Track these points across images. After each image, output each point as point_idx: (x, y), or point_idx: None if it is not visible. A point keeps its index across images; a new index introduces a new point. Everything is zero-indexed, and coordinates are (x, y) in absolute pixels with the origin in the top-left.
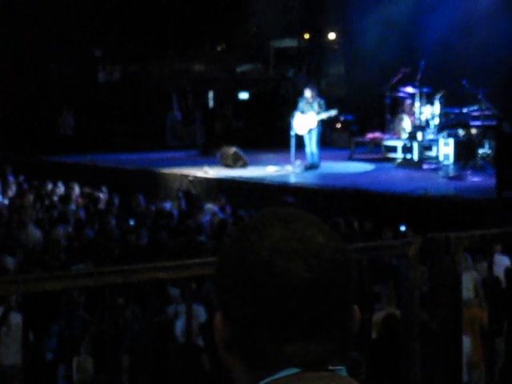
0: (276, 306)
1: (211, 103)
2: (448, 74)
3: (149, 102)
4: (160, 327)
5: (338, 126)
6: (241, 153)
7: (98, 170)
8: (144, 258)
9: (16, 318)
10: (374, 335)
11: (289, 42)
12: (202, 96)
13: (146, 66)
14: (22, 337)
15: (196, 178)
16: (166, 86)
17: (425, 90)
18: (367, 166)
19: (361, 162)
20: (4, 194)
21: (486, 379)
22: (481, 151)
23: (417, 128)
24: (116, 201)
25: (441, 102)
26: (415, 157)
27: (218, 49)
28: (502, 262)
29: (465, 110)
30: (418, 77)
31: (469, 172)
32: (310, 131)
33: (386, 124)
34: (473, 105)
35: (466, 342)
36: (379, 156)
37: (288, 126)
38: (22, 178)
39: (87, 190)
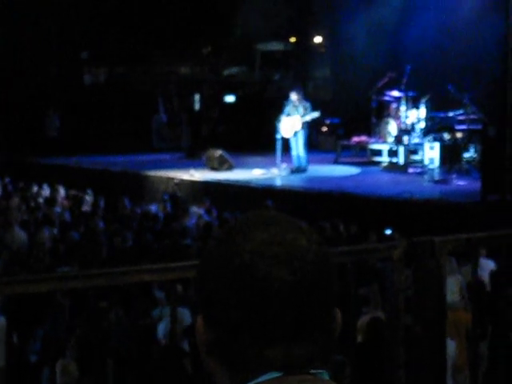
0: (258, 310)
1: (197, 106)
2: (434, 77)
3: (135, 104)
4: (145, 330)
5: (324, 129)
6: (227, 156)
7: (83, 172)
8: (129, 261)
9: (0, 321)
10: (359, 339)
11: (275, 45)
12: (187, 98)
13: (132, 68)
14: (5, 339)
15: (182, 180)
16: (152, 89)
17: (410, 93)
18: (353, 170)
19: (347, 165)
20: None
21: (470, 383)
22: (466, 155)
23: (402, 132)
24: (102, 203)
25: (426, 106)
26: (401, 160)
27: (204, 51)
28: (486, 265)
29: (450, 114)
30: (404, 81)
31: (454, 176)
32: (295, 134)
33: (372, 128)
34: (458, 109)
35: (451, 345)
36: (365, 159)
37: (274, 129)
38: (7, 179)
39: (73, 192)
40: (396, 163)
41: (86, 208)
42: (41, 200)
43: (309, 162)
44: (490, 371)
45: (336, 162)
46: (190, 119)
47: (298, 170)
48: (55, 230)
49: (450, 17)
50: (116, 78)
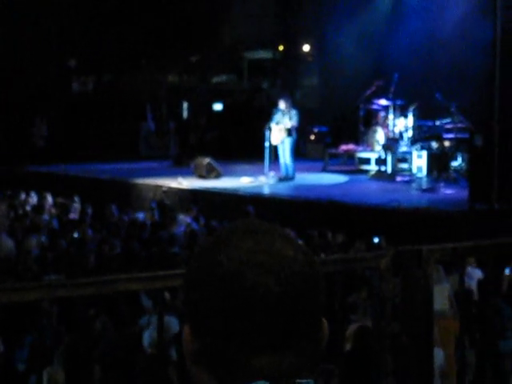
0: (244, 319)
1: (185, 114)
2: (421, 86)
3: (123, 112)
4: (131, 338)
5: (312, 137)
6: (215, 164)
7: (71, 179)
8: (117, 269)
9: None
10: (347, 347)
11: (263, 54)
12: (176, 106)
13: (120, 76)
14: None
15: (170, 188)
16: (140, 97)
17: (398, 102)
18: (341, 178)
19: (334, 173)
20: None
21: None
22: (454, 164)
23: (390, 140)
24: (89, 211)
25: (414, 115)
26: (389, 169)
27: (193, 59)
28: (474, 274)
29: (438, 123)
30: (392, 89)
31: (442, 184)
32: (282, 142)
33: (360, 136)
34: (446, 117)
35: (439, 353)
36: (353, 168)
37: (262, 137)
38: None
39: (60, 199)
40: (384, 171)
41: (73, 216)
42: (28, 208)
43: (296, 170)
44: (477, 379)
45: (324, 170)
46: (178, 127)
47: (286, 178)
48: (43, 238)
49: (437, 25)
50: (104, 86)
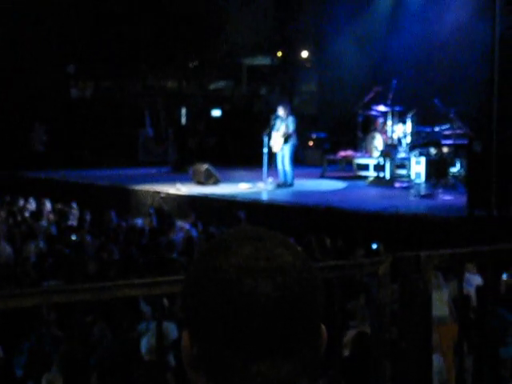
0: (243, 325)
1: (184, 120)
2: (420, 92)
3: (121, 118)
4: (130, 344)
5: (311, 143)
6: (213, 170)
7: (69, 185)
8: (115, 275)
9: None
10: (346, 353)
11: (262, 60)
12: (174, 113)
13: (119, 82)
14: None
15: (168, 194)
16: (139, 103)
17: (397, 108)
18: (339, 184)
19: (333, 179)
20: None
21: None
22: (452, 170)
23: (389, 146)
24: (88, 217)
25: (413, 121)
26: (387, 175)
27: (191, 66)
28: (474, 280)
29: (436, 129)
30: (390, 95)
31: (440, 190)
32: (281, 148)
33: (358, 142)
34: (444, 123)
35: (438, 360)
36: (351, 174)
37: (261, 144)
38: None
39: (59, 205)
40: (382, 178)
41: (72, 222)
42: (27, 214)
43: (294, 176)
44: None
45: (322, 176)
46: (176, 133)
47: (285, 185)
48: (41, 244)
49: (436, 31)
50: (102, 92)
